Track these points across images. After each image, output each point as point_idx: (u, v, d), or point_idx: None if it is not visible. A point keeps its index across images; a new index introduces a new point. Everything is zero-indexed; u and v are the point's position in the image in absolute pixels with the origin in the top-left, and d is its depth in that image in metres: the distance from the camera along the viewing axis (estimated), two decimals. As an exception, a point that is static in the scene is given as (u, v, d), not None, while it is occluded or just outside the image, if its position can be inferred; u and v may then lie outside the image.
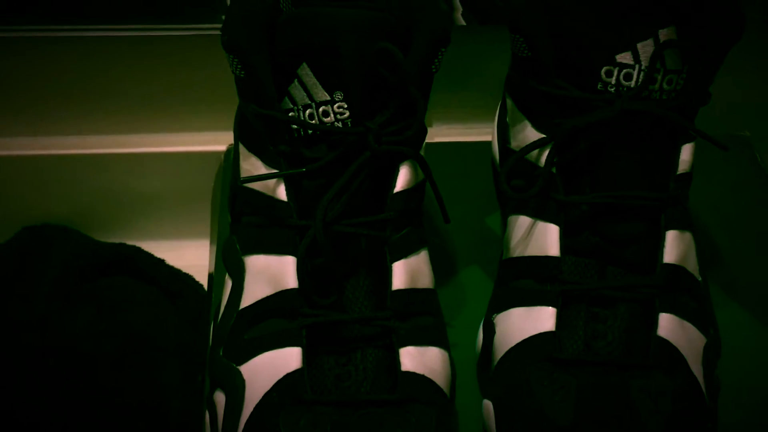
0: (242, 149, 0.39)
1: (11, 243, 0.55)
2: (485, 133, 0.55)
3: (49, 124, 0.55)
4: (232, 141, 0.55)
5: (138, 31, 0.53)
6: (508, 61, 0.49)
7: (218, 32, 0.55)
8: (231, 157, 0.54)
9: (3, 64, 0.53)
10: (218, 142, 0.56)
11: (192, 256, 0.56)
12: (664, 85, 0.37)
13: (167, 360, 0.49)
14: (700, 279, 0.38)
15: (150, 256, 0.55)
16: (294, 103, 0.37)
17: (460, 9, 0.59)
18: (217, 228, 0.50)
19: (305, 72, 0.36)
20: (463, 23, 0.58)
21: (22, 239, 0.55)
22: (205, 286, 0.54)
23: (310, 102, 0.37)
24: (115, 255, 0.54)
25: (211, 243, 0.53)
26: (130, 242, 0.56)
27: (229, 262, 0.39)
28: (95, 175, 0.56)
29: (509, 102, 0.44)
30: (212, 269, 0.50)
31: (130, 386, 0.48)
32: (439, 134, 0.59)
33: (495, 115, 0.51)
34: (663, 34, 0.36)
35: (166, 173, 0.57)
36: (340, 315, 0.36)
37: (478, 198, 0.51)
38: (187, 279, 0.55)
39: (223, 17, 0.60)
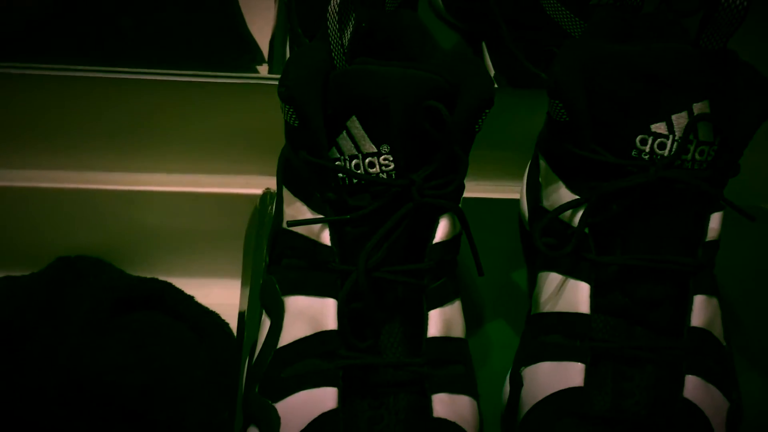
0: (287, 194, 0.41)
1: (46, 272, 0.56)
2: (511, 190, 0.57)
3: (92, 160, 0.57)
4: (267, 185, 0.57)
5: (181, 77, 0.55)
6: (536, 122, 0.51)
7: (256, 81, 0.58)
8: (266, 201, 0.56)
9: (51, 101, 0.55)
10: (253, 185, 0.58)
11: (219, 295, 0.57)
12: (696, 156, 0.39)
13: (193, 395, 0.50)
14: (725, 344, 0.39)
15: (180, 293, 0.56)
16: (341, 153, 0.39)
17: (492, 72, 0.62)
18: (251, 270, 0.52)
19: (354, 124, 0.38)
20: (495, 85, 0.60)
21: (57, 269, 0.56)
22: (232, 324, 0.56)
23: (357, 153, 0.38)
24: (146, 290, 0.55)
25: (242, 284, 0.55)
26: (161, 278, 0.57)
27: (268, 302, 0.40)
28: (131, 211, 0.58)
29: (542, 163, 0.45)
30: (243, 308, 0.51)
31: (155, 419, 0.48)
32: (466, 190, 0.61)
33: (521, 174, 0.53)
34: (697, 108, 0.38)
35: (200, 213, 0.58)
36: (376, 358, 0.37)
37: (503, 253, 0.52)
38: (214, 317, 0.56)
39: (260, 67, 0.63)
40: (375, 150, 0.38)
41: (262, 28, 0.67)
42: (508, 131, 0.59)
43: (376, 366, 0.37)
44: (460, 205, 0.40)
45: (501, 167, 0.59)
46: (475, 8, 0.64)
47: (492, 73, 0.61)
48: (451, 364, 0.38)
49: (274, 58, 0.65)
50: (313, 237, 0.38)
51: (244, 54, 0.65)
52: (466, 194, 0.42)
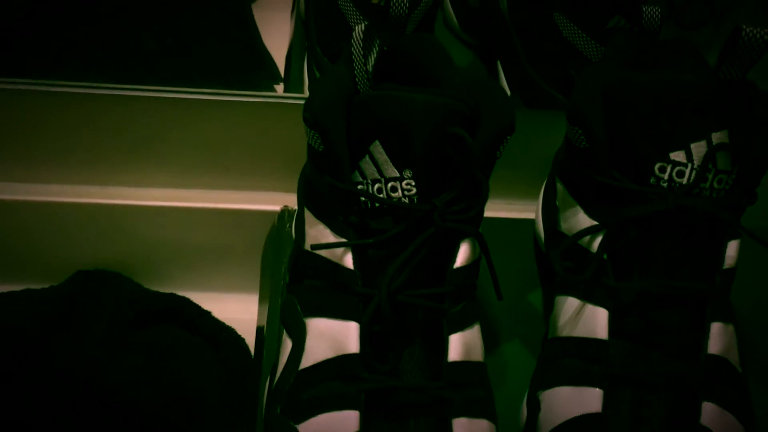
0: (308, 216, 0.41)
1: (65, 285, 0.57)
2: (524, 209, 0.57)
3: (113, 175, 0.58)
4: (285, 202, 0.58)
5: (200, 95, 0.56)
6: (551, 142, 0.51)
7: (275, 99, 0.59)
8: (284, 219, 0.56)
9: (73, 117, 0.56)
10: (271, 202, 0.58)
11: (236, 310, 0.58)
12: (715, 184, 0.39)
13: (210, 410, 0.50)
14: (740, 371, 0.40)
15: (197, 308, 0.57)
16: (363, 177, 0.39)
17: (508, 92, 0.62)
18: (269, 286, 0.52)
19: (377, 149, 0.39)
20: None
21: (76, 282, 0.57)
22: (248, 339, 0.56)
23: (379, 177, 0.39)
24: (164, 304, 0.56)
25: (260, 300, 0.55)
26: (178, 292, 0.57)
27: (289, 322, 0.41)
28: (150, 226, 0.58)
29: (560, 186, 0.46)
30: (262, 323, 0.51)
31: (173, 435, 0.49)
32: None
33: (535, 193, 0.53)
34: (716, 137, 0.39)
35: (218, 229, 0.59)
36: (398, 382, 0.37)
37: (517, 273, 0.53)
38: (230, 332, 0.56)
39: (277, 86, 0.63)
40: (397, 175, 0.39)
41: (278, 44, 0.68)
42: (523, 151, 0.59)
43: (397, 389, 0.37)
44: (480, 230, 0.41)
45: (515, 186, 0.59)
46: (490, 26, 0.65)
47: (507, 93, 0.62)
48: (470, 387, 0.38)
49: (290, 74, 0.65)
50: (335, 260, 0.39)
51: (261, 69, 0.66)
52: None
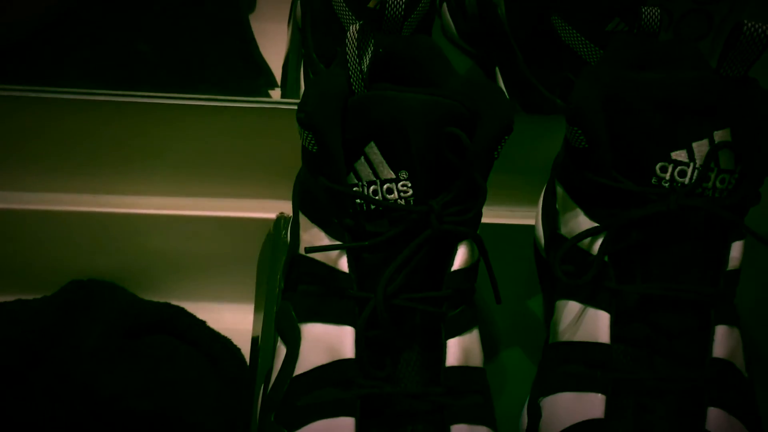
0: (303, 220, 0.41)
1: (58, 295, 0.56)
2: (524, 216, 0.57)
3: (106, 183, 0.57)
4: (280, 209, 0.57)
5: (195, 101, 0.56)
6: (550, 148, 0.50)
7: (271, 105, 0.58)
8: (280, 226, 0.56)
9: (67, 124, 0.55)
10: (266, 209, 0.58)
11: (231, 320, 0.57)
12: (717, 184, 0.39)
13: (206, 421, 0.49)
14: (746, 375, 0.39)
15: (192, 317, 0.56)
16: (359, 178, 0.38)
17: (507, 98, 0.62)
18: (264, 295, 0.51)
19: (373, 150, 0.38)
20: (512, 110, 0.60)
21: (69, 292, 0.56)
22: (244, 350, 0.55)
23: (375, 179, 0.38)
24: (158, 314, 0.55)
25: (256, 309, 0.54)
26: (173, 302, 0.57)
27: (284, 329, 0.40)
28: (144, 235, 0.58)
29: (560, 189, 0.45)
30: (257, 333, 0.50)
31: (167, 446, 0.48)
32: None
33: (535, 199, 0.52)
34: (718, 135, 0.38)
35: (213, 237, 0.58)
36: (395, 388, 0.37)
37: (517, 279, 0.52)
38: (226, 342, 0.55)
39: (272, 91, 0.63)
40: (393, 176, 0.38)
41: (275, 53, 0.68)
42: (522, 156, 0.59)
43: (394, 395, 0.36)
44: (478, 232, 0.40)
45: (514, 192, 0.59)
46: (488, 34, 0.65)
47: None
48: (469, 393, 0.37)
49: (287, 82, 0.65)
50: (330, 263, 0.38)
51: (258, 77, 0.65)
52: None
